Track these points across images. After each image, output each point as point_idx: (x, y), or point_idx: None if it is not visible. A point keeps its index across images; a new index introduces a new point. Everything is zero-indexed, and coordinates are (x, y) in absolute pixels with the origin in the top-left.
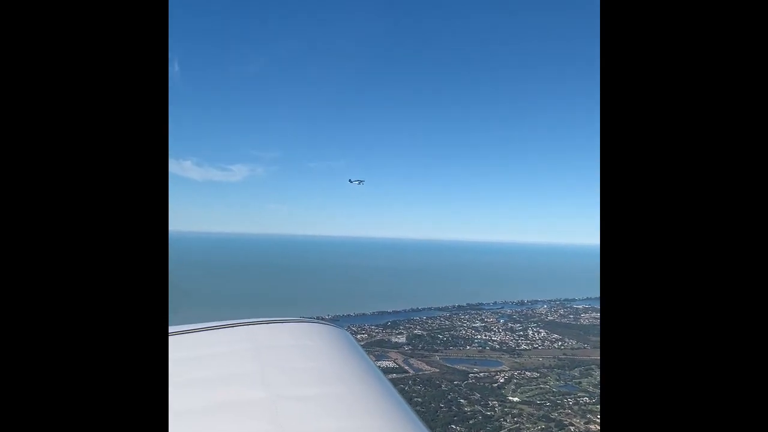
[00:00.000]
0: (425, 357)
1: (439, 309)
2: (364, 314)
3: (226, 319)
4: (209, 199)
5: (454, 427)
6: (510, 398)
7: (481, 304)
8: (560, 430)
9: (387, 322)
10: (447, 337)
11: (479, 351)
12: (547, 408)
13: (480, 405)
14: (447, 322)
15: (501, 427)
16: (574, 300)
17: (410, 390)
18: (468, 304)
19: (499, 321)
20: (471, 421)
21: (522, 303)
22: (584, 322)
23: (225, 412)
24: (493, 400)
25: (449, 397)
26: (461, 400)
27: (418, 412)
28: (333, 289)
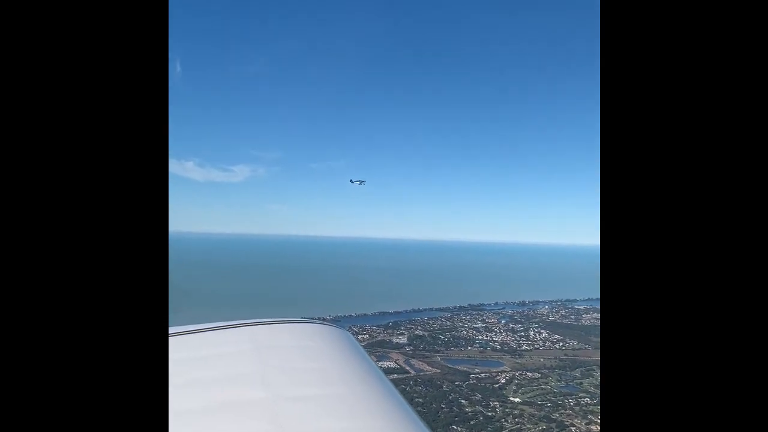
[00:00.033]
0: (426, 357)
1: (440, 309)
2: (365, 315)
3: (227, 320)
4: (211, 200)
5: (455, 427)
6: (511, 399)
7: (483, 304)
8: (561, 430)
9: (388, 323)
10: (448, 338)
11: (480, 351)
12: (548, 409)
13: (481, 405)
14: (448, 323)
15: (502, 428)
16: (575, 301)
17: (411, 390)
18: (469, 304)
19: (501, 321)
20: (472, 422)
21: (523, 303)
22: (586, 323)
23: (226, 413)
24: (494, 401)
25: (450, 397)
26: (462, 401)
27: (419, 413)
28: (334, 290)
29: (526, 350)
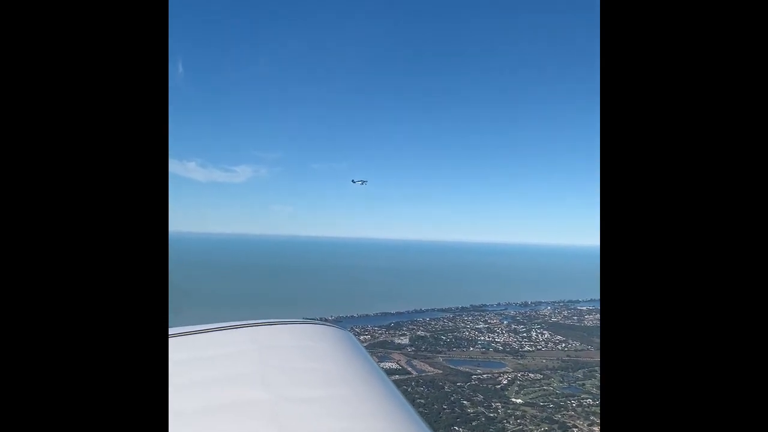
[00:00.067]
0: (428, 358)
1: (442, 310)
2: (367, 315)
3: (228, 320)
4: (213, 200)
5: (456, 428)
6: (513, 400)
7: (485, 305)
8: None
9: (390, 324)
10: (450, 339)
11: (482, 352)
12: (550, 410)
13: (483, 406)
14: (450, 324)
15: (504, 429)
16: (578, 301)
17: (413, 391)
18: (471, 305)
19: (503, 322)
20: (474, 423)
21: (526, 304)
22: (588, 324)
23: (227, 413)
24: (496, 402)
25: (452, 398)
26: (464, 402)
27: (421, 414)
28: (336, 290)
29: (529, 351)
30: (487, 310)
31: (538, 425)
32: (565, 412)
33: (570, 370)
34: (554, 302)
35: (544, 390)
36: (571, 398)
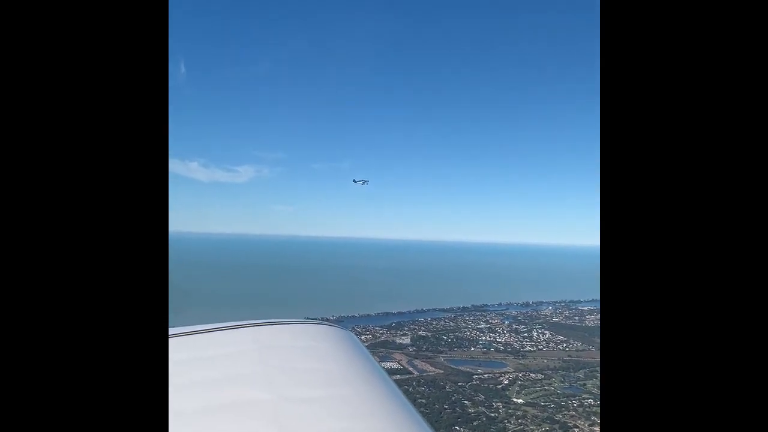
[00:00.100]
0: (429, 358)
1: (443, 310)
2: (368, 315)
3: (230, 320)
4: (215, 200)
5: (458, 428)
6: (514, 400)
7: (486, 305)
8: None
9: (391, 323)
10: (451, 339)
11: (484, 352)
12: (551, 410)
13: (484, 406)
14: (451, 324)
15: (505, 429)
16: (579, 302)
17: (414, 391)
18: (473, 305)
19: (504, 322)
20: (475, 423)
21: (527, 304)
22: (589, 324)
23: (228, 414)
24: (497, 402)
25: (453, 398)
26: (465, 402)
27: (422, 414)
28: (337, 290)
29: (530, 351)
30: (489, 310)
31: (539, 425)
32: (566, 412)
33: (571, 370)
34: (555, 302)
35: (546, 390)
36: (572, 398)
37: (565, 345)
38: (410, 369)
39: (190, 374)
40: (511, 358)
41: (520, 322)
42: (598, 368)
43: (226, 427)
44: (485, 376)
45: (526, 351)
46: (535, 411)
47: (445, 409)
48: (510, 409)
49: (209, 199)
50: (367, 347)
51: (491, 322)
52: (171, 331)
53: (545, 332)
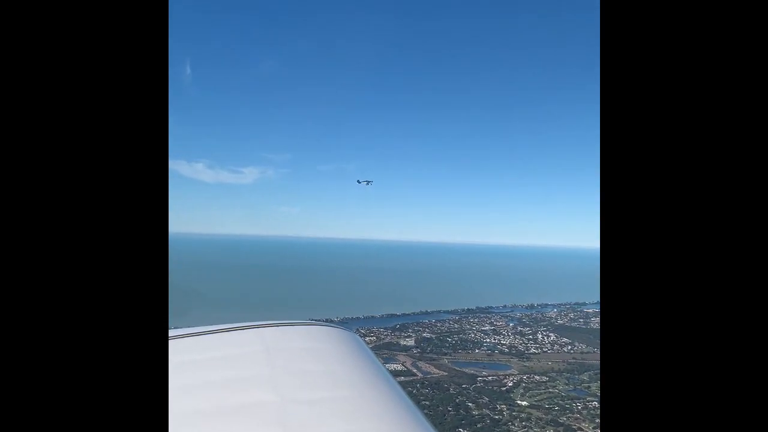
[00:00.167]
0: (434, 360)
1: (448, 312)
2: (372, 317)
3: (235, 321)
4: (220, 201)
5: (461, 430)
6: (518, 402)
7: (491, 307)
8: None
9: (396, 325)
10: (456, 341)
11: (488, 354)
12: (555, 412)
13: (488, 409)
14: (456, 326)
15: (509, 431)
16: (584, 304)
17: (418, 393)
18: (477, 307)
19: (509, 324)
20: (479, 425)
21: (532, 306)
22: (594, 326)
23: (234, 415)
24: (501, 404)
25: (457, 400)
26: (469, 404)
27: (427, 416)
28: (342, 292)
29: (534, 353)
30: (493, 312)
31: (544, 428)
32: (570, 415)
33: (576, 372)
34: (560, 304)
35: (550, 392)
36: (576, 401)
37: (569, 347)
38: (414, 371)
39: (196, 375)
40: (516, 360)
41: (524, 324)
42: None
43: (231, 428)
44: (489, 378)
45: (530, 353)
46: (540, 413)
47: (449, 411)
48: (514, 411)
49: (214, 200)
50: (372, 349)
51: (496, 324)
52: (177, 332)
53: (550, 334)
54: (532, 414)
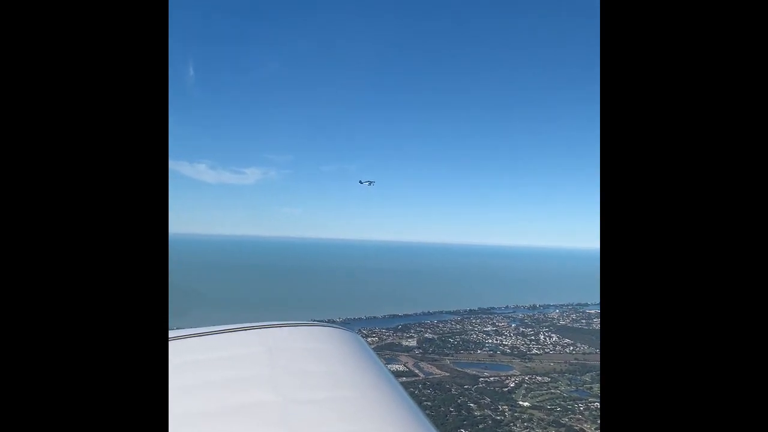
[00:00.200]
0: (436, 361)
1: (450, 313)
2: (374, 317)
3: (237, 322)
4: (223, 202)
5: (463, 431)
6: (520, 403)
7: (493, 308)
8: None
9: (398, 326)
10: (458, 341)
11: (490, 355)
12: (557, 413)
13: (490, 409)
14: (458, 326)
15: None
16: (586, 305)
17: (420, 394)
18: (479, 308)
19: (511, 325)
20: (481, 426)
21: (534, 307)
22: (596, 327)
23: (236, 415)
24: (503, 405)
25: (459, 401)
26: (471, 404)
27: (428, 416)
28: (344, 292)
29: (536, 354)
30: (495, 313)
31: (545, 428)
32: (572, 416)
33: (578, 373)
34: (563, 305)
35: (552, 393)
36: (578, 402)
37: (571, 348)
38: (416, 371)
39: (198, 375)
40: (518, 361)
41: (526, 325)
42: None
43: (233, 429)
44: (491, 378)
45: (532, 354)
46: (542, 414)
47: (451, 411)
48: (516, 412)
49: (217, 201)
50: (374, 349)
51: (498, 325)
52: (178, 333)
53: (552, 335)
54: (534, 415)
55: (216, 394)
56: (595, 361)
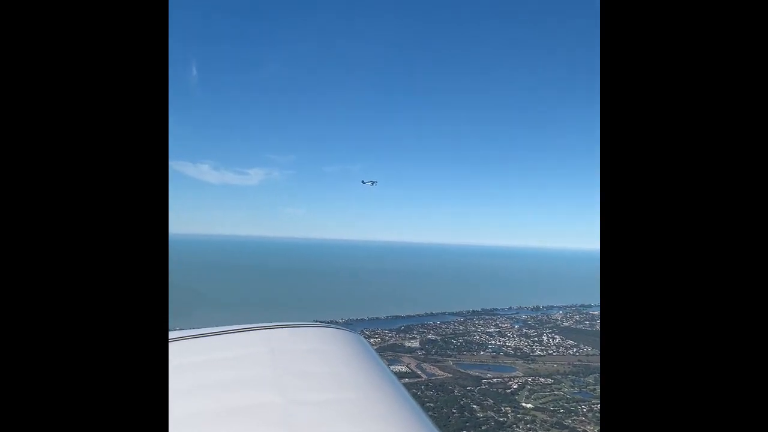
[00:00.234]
0: (438, 362)
1: (453, 314)
2: (377, 318)
3: (240, 323)
4: (226, 203)
5: None
6: (523, 404)
7: (496, 309)
8: None
9: (400, 327)
10: (461, 342)
11: (493, 356)
12: (560, 415)
13: (493, 411)
14: (461, 327)
15: None
16: (590, 306)
17: (423, 395)
18: (482, 309)
19: (514, 326)
20: (483, 427)
21: (537, 308)
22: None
23: (239, 416)
24: (506, 406)
25: (462, 402)
26: (474, 406)
27: (430, 418)
28: (346, 293)
29: (540, 355)
30: (499, 314)
31: (548, 430)
32: (575, 417)
33: (581, 374)
34: (566, 306)
35: (555, 395)
36: (581, 403)
37: (575, 349)
38: (419, 372)
39: (201, 376)
40: (521, 362)
41: (530, 327)
42: None
43: (236, 429)
44: (494, 380)
45: (535, 355)
46: (544, 416)
47: (454, 413)
48: (519, 413)
49: (220, 202)
50: (376, 350)
51: (501, 326)
52: (181, 333)
53: (555, 336)
54: (536, 416)
55: (219, 395)
56: (599, 362)
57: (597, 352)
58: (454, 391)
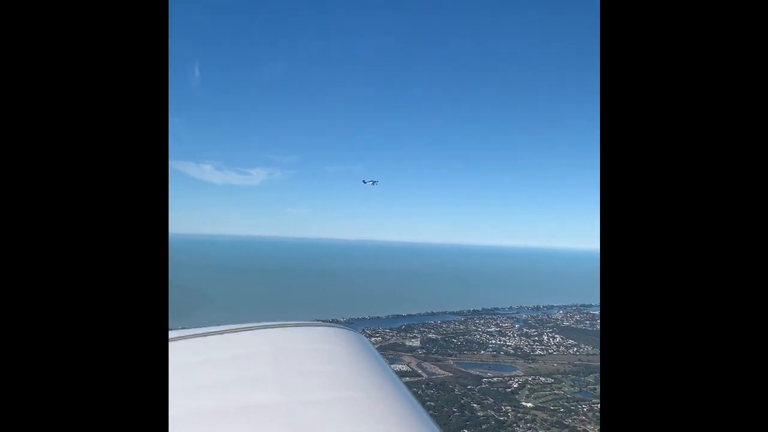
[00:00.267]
0: (439, 361)
1: (453, 313)
2: (378, 317)
3: (242, 322)
4: (228, 203)
5: (466, 431)
6: (524, 403)
7: (497, 308)
8: None
9: (401, 326)
10: (461, 342)
11: (493, 356)
12: (561, 414)
13: (493, 410)
14: (462, 327)
15: None
16: (590, 305)
17: (423, 394)
18: (483, 308)
19: (515, 326)
20: (484, 426)
21: (538, 308)
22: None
23: (240, 416)
24: (506, 405)
25: (462, 401)
26: (474, 405)
27: (431, 417)
28: (348, 293)
29: (540, 355)
30: (499, 314)
31: (548, 429)
32: (575, 417)
33: (581, 374)
34: (566, 306)
35: (555, 394)
36: (581, 402)
37: (575, 349)
38: (419, 372)
39: (202, 376)
40: (521, 361)
41: (530, 326)
42: None
43: (237, 429)
44: (495, 379)
45: (536, 354)
46: (545, 415)
47: (454, 412)
48: (519, 412)
49: (222, 202)
50: (377, 349)
51: (501, 326)
52: (183, 332)
53: (556, 336)
54: (537, 415)
55: (220, 395)
56: (599, 362)
57: (597, 351)
58: (454, 390)
